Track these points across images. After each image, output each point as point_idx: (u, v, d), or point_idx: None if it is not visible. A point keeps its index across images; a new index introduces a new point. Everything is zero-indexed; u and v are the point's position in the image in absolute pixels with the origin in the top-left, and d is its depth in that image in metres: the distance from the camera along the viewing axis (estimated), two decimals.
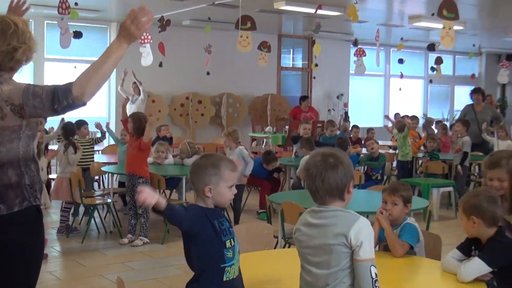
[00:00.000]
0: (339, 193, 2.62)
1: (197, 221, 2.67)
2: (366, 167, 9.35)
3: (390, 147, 12.63)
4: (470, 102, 11.51)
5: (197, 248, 2.71)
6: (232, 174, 2.78)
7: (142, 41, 11.04)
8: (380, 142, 12.19)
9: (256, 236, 4.30)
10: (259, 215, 8.57)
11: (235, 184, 2.81)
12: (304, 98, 14.37)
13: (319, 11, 9.56)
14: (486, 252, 3.15)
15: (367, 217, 6.74)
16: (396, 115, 15.24)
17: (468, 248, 3.32)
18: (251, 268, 3.33)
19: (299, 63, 17.69)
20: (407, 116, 12.42)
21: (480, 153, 10.44)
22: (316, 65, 12.02)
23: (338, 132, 11.25)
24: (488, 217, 3.21)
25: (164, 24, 10.81)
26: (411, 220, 3.89)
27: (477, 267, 3.10)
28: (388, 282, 3.29)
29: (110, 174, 8.11)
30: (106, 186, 9.86)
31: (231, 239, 2.75)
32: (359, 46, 12.56)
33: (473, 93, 11.41)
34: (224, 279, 2.70)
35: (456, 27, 11.96)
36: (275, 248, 5.32)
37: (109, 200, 7.71)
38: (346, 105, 17.36)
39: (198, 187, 2.74)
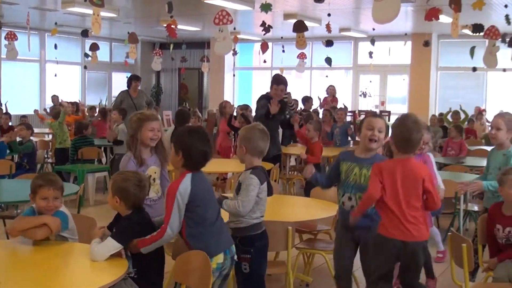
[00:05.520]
0: None
1: None
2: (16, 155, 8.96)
3: (48, 134, 12.31)
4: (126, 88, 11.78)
5: None
6: None
7: None
8: (36, 130, 11.82)
9: None
10: None
11: None
12: None
13: None
14: (117, 232, 3.44)
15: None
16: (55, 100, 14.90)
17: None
18: None
19: None
20: None
21: None
22: None
23: None
24: (130, 201, 3.53)
25: None
26: (64, 208, 3.83)
27: (109, 246, 3.34)
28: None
29: None
30: None
31: None
32: (9, 30, 11.93)
33: (134, 79, 11.73)
34: None
35: (110, 15, 12.18)
36: None
37: None
38: None
39: None
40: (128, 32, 13.66)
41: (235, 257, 3.67)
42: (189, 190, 3.41)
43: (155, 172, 4.31)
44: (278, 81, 7.80)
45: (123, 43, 15.62)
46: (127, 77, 11.70)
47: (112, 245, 3.32)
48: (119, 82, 19.12)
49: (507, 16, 9.48)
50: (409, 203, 3.74)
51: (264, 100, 7.85)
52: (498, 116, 4.93)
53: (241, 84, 21.31)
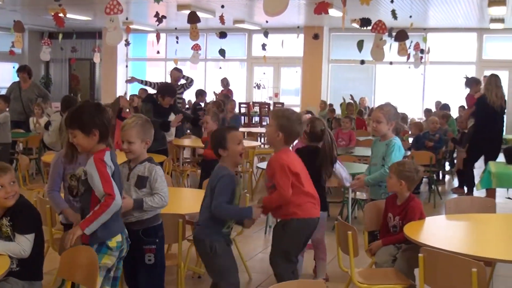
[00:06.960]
0: None
1: None
2: None
3: None
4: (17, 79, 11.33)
5: None
6: None
7: None
8: None
9: None
10: None
11: None
12: None
13: None
14: (17, 225, 3.42)
15: None
16: None
17: None
18: None
19: None
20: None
21: (22, 131, 10.49)
22: None
23: None
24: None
25: None
26: None
27: (26, 240, 3.38)
28: None
29: None
30: None
31: None
32: None
33: (19, 71, 11.28)
34: None
35: None
36: None
37: None
38: None
39: None
40: (14, 21, 13.10)
41: (128, 238, 3.57)
42: (110, 166, 3.35)
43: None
44: (171, 93, 7.85)
45: (9, 32, 14.96)
46: (13, 67, 11.25)
47: (29, 238, 3.36)
48: (4, 72, 18.31)
49: (393, 11, 9.82)
50: (312, 183, 4.18)
51: (150, 104, 7.81)
52: (377, 109, 5.13)
53: (134, 75, 20.90)
